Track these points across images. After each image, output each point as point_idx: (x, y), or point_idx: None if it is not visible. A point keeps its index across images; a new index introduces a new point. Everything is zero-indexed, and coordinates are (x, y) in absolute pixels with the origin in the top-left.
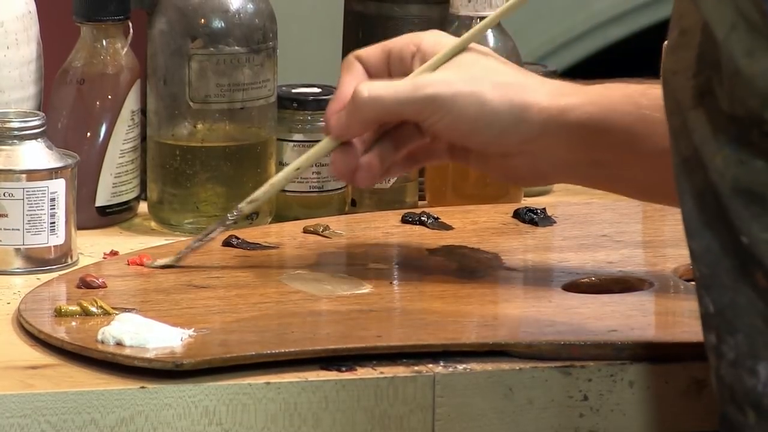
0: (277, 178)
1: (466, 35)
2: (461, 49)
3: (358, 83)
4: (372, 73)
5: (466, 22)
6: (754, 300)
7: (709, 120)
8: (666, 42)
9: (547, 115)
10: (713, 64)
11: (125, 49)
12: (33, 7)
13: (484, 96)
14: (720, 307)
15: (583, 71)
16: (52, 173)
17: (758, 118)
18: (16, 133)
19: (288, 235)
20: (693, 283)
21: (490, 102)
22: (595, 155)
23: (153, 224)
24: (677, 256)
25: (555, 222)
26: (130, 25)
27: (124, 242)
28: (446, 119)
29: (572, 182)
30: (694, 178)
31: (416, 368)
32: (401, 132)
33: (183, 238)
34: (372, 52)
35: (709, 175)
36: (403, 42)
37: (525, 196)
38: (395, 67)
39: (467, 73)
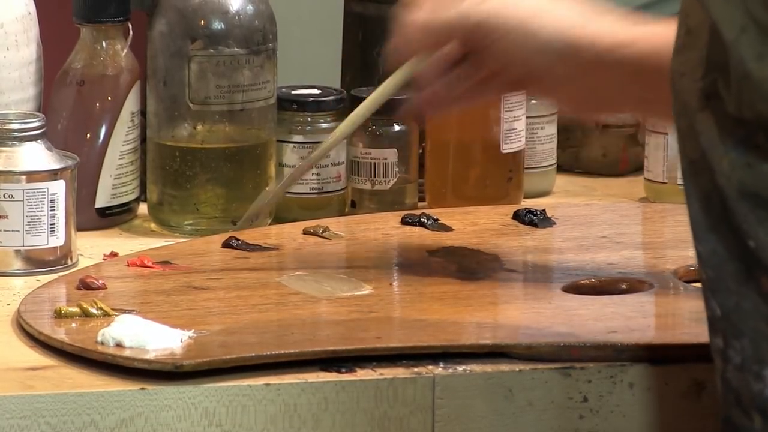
0: (355, 114)
1: None
2: None
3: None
4: None
5: None
6: (759, 304)
7: (716, 123)
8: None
9: (600, 50)
10: (720, 66)
11: (125, 51)
12: (33, 9)
13: (537, 25)
14: (726, 311)
15: None
16: (52, 175)
17: (766, 122)
18: (16, 134)
19: (288, 237)
20: (693, 284)
21: (542, 31)
22: (647, 93)
23: (153, 226)
24: (677, 257)
25: (555, 223)
26: (130, 26)
27: (124, 243)
28: (498, 45)
29: (623, 112)
30: (700, 180)
31: (416, 370)
32: (468, 65)
33: (182, 239)
34: None
35: (715, 179)
36: None
37: (524, 197)
38: None
39: (521, 3)
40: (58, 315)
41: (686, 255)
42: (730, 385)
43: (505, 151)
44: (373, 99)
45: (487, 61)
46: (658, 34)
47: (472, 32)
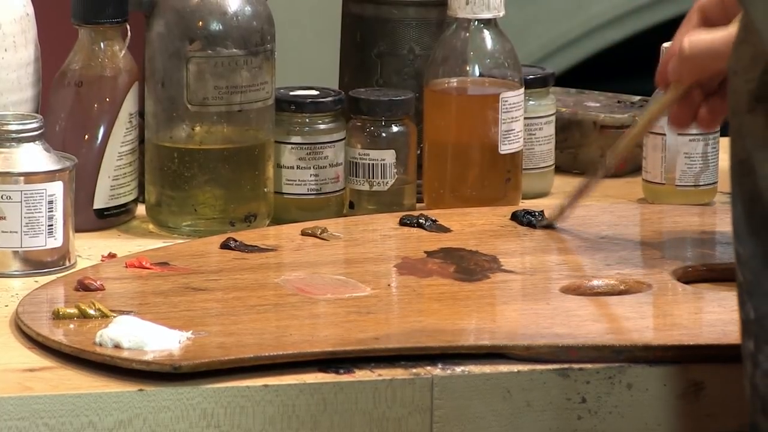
0: (635, 131)
1: None
2: None
3: (689, 32)
4: (712, 20)
5: (464, 25)
6: None
7: (765, 126)
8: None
9: None
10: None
11: (123, 52)
12: (31, 10)
13: None
14: (760, 315)
15: (582, 74)
16: (50, 176)
17: None
18: (14, 135)
19: (286, 238)
20: (690, 285)
21: None
22: None
23: (151, 227)
24: (675, 258)
25: (553, 224)
26: (128, 27)
27: (122, 245)
28: None
29: None
30: (745, 182)
31: (414, 371)
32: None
33: (180, 240)
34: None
35: (758, 183)
36: None
37: (523, 198)
38: (732, 9)
39: None
40: (57, 316)
41: (684, 256)
42: (758, 391)
43: (503, 152)
44: (642, 124)
45: None
46: None
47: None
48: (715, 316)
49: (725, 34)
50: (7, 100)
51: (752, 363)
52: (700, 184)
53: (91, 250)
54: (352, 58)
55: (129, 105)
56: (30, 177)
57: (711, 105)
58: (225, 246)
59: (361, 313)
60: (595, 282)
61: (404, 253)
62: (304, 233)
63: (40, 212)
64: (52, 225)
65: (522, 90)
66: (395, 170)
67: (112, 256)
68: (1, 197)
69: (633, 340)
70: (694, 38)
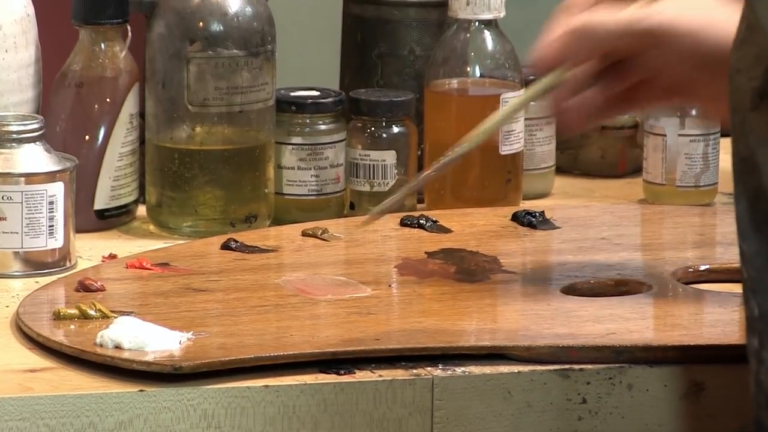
0: (492, 121)
1: None
2: None
3: (589, 10)
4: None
5: (465, 25)
6: None
7: (767, 123)
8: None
9: None
10: None
11: (124, 53)
12: (31, 10)
13: (712, 36)
14: (764, 312)
15: None
16: (50, 176)
17: None
18: (14, 136)
19: (286, 239)
20: (691, 286)
21: (717, 42)
22: None
23: (152, 227)
24: (675, 259)
25: (554, 225)
26: (129, 28)
27: (123, 245)
28: (665, 55)
29: None
30: (748, 180)
31: (415, 371)
32: (616, 73)
33: (181, 241)
34: None
35: (762, 180)
36: None
37: (523, 199)
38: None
39: (688, 6)
40: (57, 317)
41: (685, 256)
42: (762, 388)
43: (503, 153)
44: (513, 106)
45: (644, 68)
46: None
47: (640, 39)
48: (715, 317)
49: (626, 14)
50: (8, 100)
51: (757, 360)
52: (701, 184)
53: (91, 250)
54: (353, 59)
55: (129, 106)
56: (31, 178)
57: (596, 90)
58: (225, 247)
59: (362, 313)
60: (595, 283)
61: (405, 253)
62: (304, 234)
63: (40, 213)
64: (52, 226)
65: (523, 91)
66: (396, 171)
67: (112, 256)
68: (2, 198)
69: (633, 340)
70: (593, 15)
